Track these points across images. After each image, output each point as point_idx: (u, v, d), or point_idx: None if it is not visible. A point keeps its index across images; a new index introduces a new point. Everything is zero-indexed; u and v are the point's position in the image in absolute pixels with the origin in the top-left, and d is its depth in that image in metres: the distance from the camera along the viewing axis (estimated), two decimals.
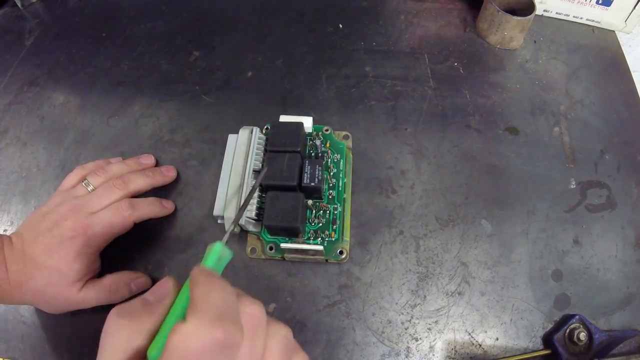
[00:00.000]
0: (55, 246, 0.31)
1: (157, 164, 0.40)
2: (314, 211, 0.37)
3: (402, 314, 0.34)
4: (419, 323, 0.34)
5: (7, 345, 0.34)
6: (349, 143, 0.40)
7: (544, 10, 0.49)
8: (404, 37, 0.48)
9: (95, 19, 0.51)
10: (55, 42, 0.49)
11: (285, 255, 0.35)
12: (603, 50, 0.47)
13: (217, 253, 0.22)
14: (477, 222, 0.37)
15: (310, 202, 0.37)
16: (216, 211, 0.35)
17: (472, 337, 0.33)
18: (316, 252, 0.34)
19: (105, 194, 0.34)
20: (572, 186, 0.39)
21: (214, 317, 0.18)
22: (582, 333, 0.32)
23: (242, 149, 0.37)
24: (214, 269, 0.21)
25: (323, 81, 0.45)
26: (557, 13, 0.49)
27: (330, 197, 0.37)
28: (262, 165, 0.36)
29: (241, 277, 0.36)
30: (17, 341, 0.34)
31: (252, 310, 0.21)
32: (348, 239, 0.36)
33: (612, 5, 0.46)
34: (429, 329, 0.34)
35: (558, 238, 0.37)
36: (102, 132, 0.43)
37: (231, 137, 0.38)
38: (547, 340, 0.33)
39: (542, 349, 0.33)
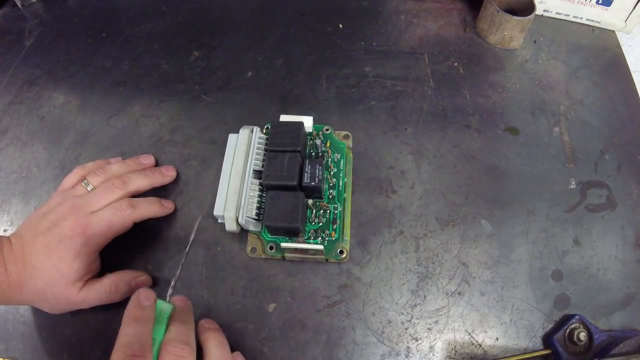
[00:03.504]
0: (55, 246, 0.31)
1: (157, 164, 0.40)
2: (314, 211, 0.37)
3: (402, 314, 0.34)
4: (419, 323, 0.34)
5: (7, 345, 0.34)
6: (349, 143, 0.40)
7: (544, 10, 0.49)
8: (404, 37, 0.48)
9: (95, 19, 0.51)
10: (55, 42, 0.49)
11: (286, 254, 0.35)
12: (603, 50, 0.47)
13: (158, 309, 0.28)
14: (477, 222, 0.37)
15: (310, 201, 0.37)
16: (216, 211, 0.35)
17: (472, 337, 0.33)
18: (316, 251, 0.34)
19: (105, 194, 0.34)
20: (572, 186, 0.39)
21: None
22: (582, 333, 0.32)
23: (243, 149, 0.37)
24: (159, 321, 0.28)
25: (323, 81, 0.45)
26: (557, 13, 0.49)
27: (330, 196, 0.37)
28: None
29: (241, 277, 0.36)
30: (17, 341, 0.34)
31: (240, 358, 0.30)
32: (348, 238, 0.36)
33: (612, 5, 0.46)
34: (429, 329, 0.34)
35: (558, 238, 0.37)
36: (102, 132, 0.43)
37: (231, 137, 0.38)
38: (547, 340, 0.33)
39: (542, 349, 0.33)
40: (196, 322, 0.31)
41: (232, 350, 0.32)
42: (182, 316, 0.29)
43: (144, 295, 0.28)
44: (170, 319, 0.29)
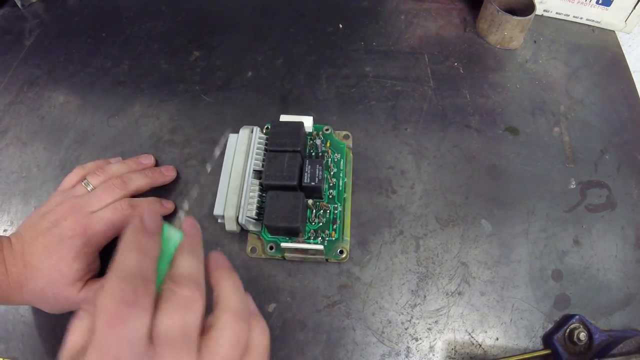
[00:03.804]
0: (55, 246, 0.31)
1: (157, 164, 0.40)
2: (314, 211, 0.37)
3: (402, 314, 0.34)
4: (419, 323, 0.34)
5: (7, 345, 0.34)
6: (349, 143, 0.40)
7: (544, 10, 0.49)
8: (404, 37, 0.48)
9: (95, 19, 0.51)
10: (55, 42, 0.49)
11: (286, 254, 0.35)
12: (603, 50, 0.47)
13: (165, 234, 0.23)
14: (477, 222, 0.37)
15: (310, 201, 0.37)
16: (216, 211, 0.35)
17: (472, 337, 0.33)
18: (316, 251, 0.34)
19: (105, 194, 0.34)
20: (572, 186, 0.39)
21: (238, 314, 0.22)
22: (582, 333, 0.32)
23: (243, 149, 0.37)
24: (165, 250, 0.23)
25: (323, 81, 0.45)
26: (557, 13, 0.49)
27: (330, 196, 0.37)
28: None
29: (241, 276, 0.35)
30: (17, 341, 0.34)
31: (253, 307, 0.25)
32: (348, 238, 0.36)
33: (612, 5, 0.46)
34: (429, 329, 0.34)
35: (558, 238, 0.37)
36: (102, 132, 0.43)
37: (231, 137, 0.38)
38: (547, 340, 0.33)
39: (542, 349, 0.33)
40: None
41: None
42: (191, 247, 0.23)
43: (150, 219, 0.22)
44: (177, 249, 0.23)
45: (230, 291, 0.23)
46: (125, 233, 0.22)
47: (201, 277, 0.22)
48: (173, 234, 0.23)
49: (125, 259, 0.21)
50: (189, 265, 0.22)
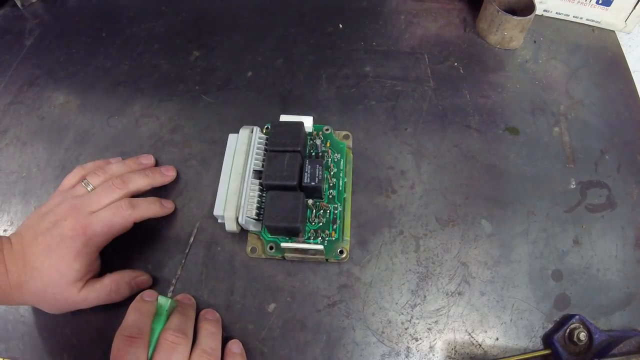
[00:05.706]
0: (55, 246, 0.31)
1: (157, 164, 0.40)
2: (314, 211, 0.37)
3: (402, 314, 0.34)
4: (419, 323, 0.34)
5: (7, 345, 0.34)
6: (349, 143, 0.40)
7: (544, 10, 0.49)
8: (404, 37, 0.48)
9: (95, 19, 0.51)
10: (55, 42, 0.49)
11: (286, 254, 0.35)
12: (603, 50, 0.47)
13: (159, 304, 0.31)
14: (477, 222, 0.37)
15: (310, 201, 0.37)
16: (216, 211, 0.35)
17: (472, 337, 0.33)
18: (316, 251, 0.34)
19: (105, 194, 0.34)
20: (572, 186, 0.39)
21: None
22: (582, 333, 0.32)
23: (243, 149, 0.37)
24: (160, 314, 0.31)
25: (323, 81, 0.45)
26: (557, 13, 0.49)
27: (330, 196, 0.37)
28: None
29: (241, 277, 0.36)
30: (17, 341, 0.34)
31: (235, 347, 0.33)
32: (348, 238, 0.36)
33: (612, 5, 0.46)
34: (429, 329, 0.34)
35: (558, 238, 0.37)
36: (102, 132, 0.43)
37: (231, 137, 0.38)
38: (547, 340, 0.33)
39: (542, 349, 0.33)
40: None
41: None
42: (182, 310, 0.32)
43: (147, 293, 0.32)
44: (172, 312, 0.31)
45: (204, 336, 0.31)
46: (131, 304, 0.31)
47: (187, 329, 0.30)
48: (164, 301, 0.31)
49: (128, 317, 0.30)
50: (177, 321, 0.30)
